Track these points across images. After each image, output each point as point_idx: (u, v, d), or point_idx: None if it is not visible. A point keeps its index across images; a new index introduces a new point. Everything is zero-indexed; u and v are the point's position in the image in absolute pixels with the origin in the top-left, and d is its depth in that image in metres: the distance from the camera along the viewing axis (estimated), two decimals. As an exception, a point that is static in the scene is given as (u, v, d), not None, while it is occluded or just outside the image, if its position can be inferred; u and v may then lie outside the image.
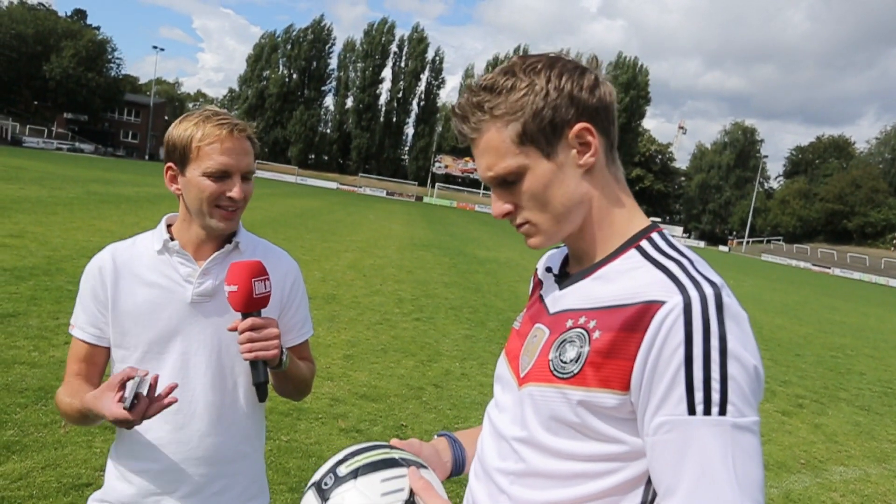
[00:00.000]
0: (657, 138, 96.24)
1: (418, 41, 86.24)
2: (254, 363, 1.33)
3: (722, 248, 76.23)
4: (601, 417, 0.87)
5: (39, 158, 34.86)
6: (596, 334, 0.87)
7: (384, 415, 4.51)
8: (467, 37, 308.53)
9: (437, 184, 78.14)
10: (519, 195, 0.94)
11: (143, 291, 1.39)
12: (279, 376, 1.46)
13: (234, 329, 1.31)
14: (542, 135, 0.90)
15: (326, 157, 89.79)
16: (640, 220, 0.98)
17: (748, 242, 77.86)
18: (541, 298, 1.05)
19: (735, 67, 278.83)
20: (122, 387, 1.18)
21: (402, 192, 71.92)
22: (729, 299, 0.83)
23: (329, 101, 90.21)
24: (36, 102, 71.85)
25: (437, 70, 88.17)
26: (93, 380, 1.45)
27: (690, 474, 0.78)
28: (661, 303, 0.82)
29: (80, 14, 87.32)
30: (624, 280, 0.89)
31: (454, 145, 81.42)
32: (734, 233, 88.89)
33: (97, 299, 1.42)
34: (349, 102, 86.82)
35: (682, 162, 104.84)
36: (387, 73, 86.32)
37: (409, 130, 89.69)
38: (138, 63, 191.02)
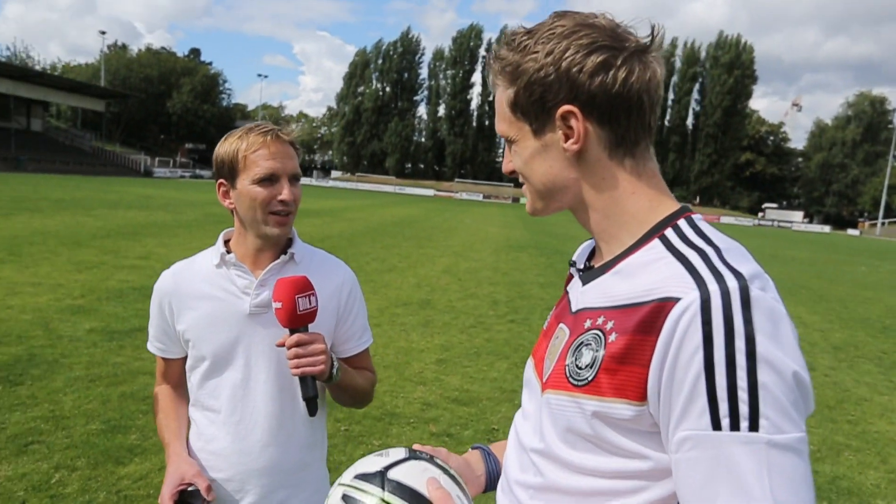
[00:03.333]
0: (769, 119, 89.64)
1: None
2: (302, 378, 1.35)
3: (851, 231, 69.28)
4: (618, 430, 0.78)
5: (165, 187, 38.39)
6: (612, 337, 0.78)
7: (475, 419, 4.49)
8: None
9: (532, 184, 77.11)
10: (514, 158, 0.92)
11: (203, 305, 1.46)
12: (332, 387, 1.47)
13: (283, 345, 1.34)
14: (532, 109, 0.85)
15: (422, 165, 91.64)
16: (667, 206, 0.86)
17: (883, 224, 70.23)
18: (567, 295, 0.98)
19: (862, 31, 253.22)
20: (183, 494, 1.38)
21: (497, 195, 71.91)
22: (760, 293, 0.71)
23: (422, 110, 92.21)
24: (162, 136, 79.42)
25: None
26: (174, 384, 1.62)
27: (721, 500, 0.68)
28: (676, 300, 0.72)
29: (195, 52, 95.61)
30: (644, 274, 0.79)
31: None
32: (865, 214, 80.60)
33: (162, 316, 1.51)
34: (441, 110, 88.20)
35: (798, 142, 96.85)
36: (476, 77, 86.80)
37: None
38: (246, 91, 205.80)
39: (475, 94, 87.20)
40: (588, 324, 0.84)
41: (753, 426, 0.67)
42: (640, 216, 0.86)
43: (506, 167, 0.94)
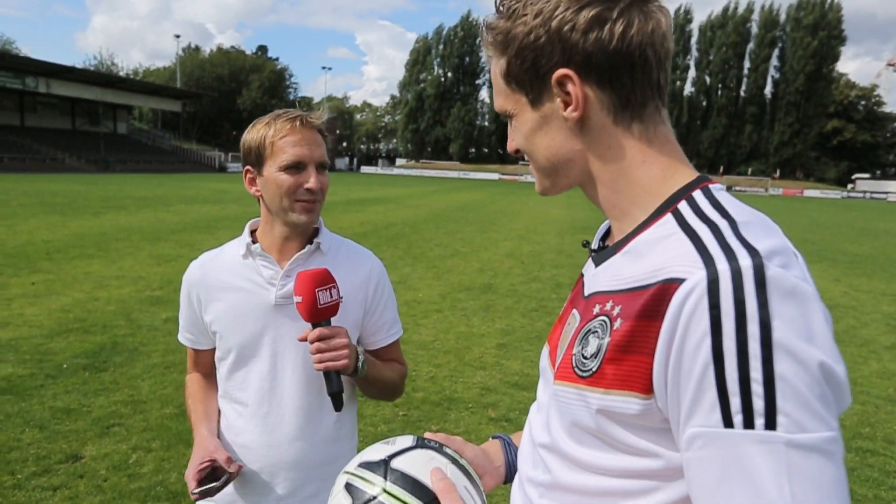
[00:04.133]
0: (860, 82, 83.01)
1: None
2: (326, 373, 1.31)
3: (957, 200, 63.42)
4: (625, 426, 0.71)
5: (238, 181, 39.90)
6: (617, 323, 0.71)
7: (535, 403, 4.43)
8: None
9: (599, 163, 75.33)
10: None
11: (229, 296, 1.44)
12: (360, 381, 1.44)
13: (305, 340, 1.31)
14: (526, 78, 0.77)
15: (486, 150, 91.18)
16: (683, 176, 0.77)
17: None
18: (582, 278, 0.91)
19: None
20: (209, 470, 1.35)
21: (563, 176, 70.56)
22: (779, 271, 0.62)
23: (484, 93, 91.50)
24: (234, 132, 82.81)
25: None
26: (205, 373, 1.61)
27: None
28: (681, 281, 0.64)
29: (262, 49, 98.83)
30: (654, 254, 0.71)
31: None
32: (974, 181, 73.57)
33: (191, 308, 1.51)
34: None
35: (894, 105, 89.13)
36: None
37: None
38: (311, 84, 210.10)
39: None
40: (597, 309, 0.77)
41: (770, 424, 0.59)
42: (651, 188, 0.77)
43: (510, 146, 0.86)
